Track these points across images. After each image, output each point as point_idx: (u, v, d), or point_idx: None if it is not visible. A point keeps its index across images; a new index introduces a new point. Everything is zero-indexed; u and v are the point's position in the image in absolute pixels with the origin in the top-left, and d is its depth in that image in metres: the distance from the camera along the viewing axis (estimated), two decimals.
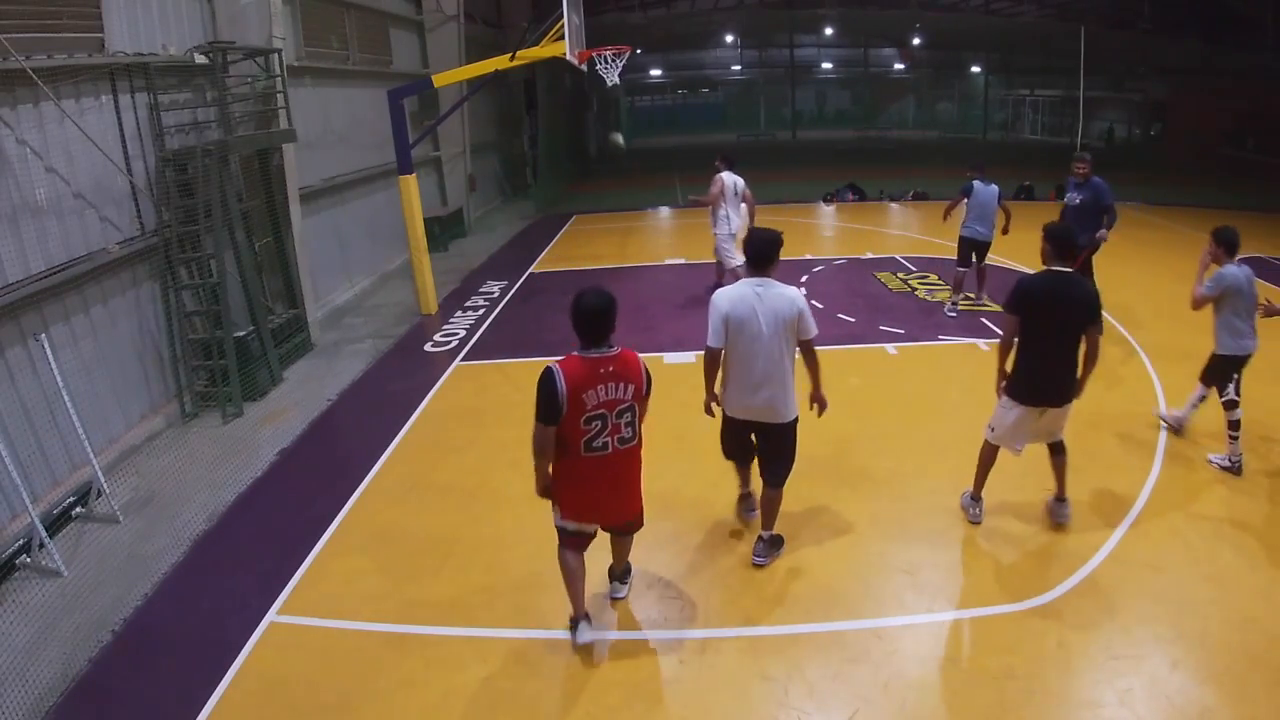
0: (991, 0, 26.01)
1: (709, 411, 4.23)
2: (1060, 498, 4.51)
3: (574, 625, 3.62)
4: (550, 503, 3.53)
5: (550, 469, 3.42)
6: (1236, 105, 20.28)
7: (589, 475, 3.38)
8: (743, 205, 8.82)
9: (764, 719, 3.23)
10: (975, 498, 4.58)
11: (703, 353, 4.03)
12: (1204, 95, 21.32)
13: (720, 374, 4.11)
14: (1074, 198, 7.75)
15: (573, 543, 3.57)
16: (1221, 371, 5.17)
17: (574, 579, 3.58)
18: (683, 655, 3.59)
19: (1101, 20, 21.17)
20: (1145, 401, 6.04)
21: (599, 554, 3.80)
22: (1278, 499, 4.69)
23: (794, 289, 4.01)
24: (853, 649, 3.57)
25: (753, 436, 4.22)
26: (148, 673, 3.70)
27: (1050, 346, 4.14)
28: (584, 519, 3.51)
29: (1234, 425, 5.03)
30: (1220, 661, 3.40)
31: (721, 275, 8.99)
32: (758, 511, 4.38)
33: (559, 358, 3.32)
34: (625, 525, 3.69)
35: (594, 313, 3.24)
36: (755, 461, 4.35)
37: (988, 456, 4.50)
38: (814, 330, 4.01)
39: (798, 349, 4.05)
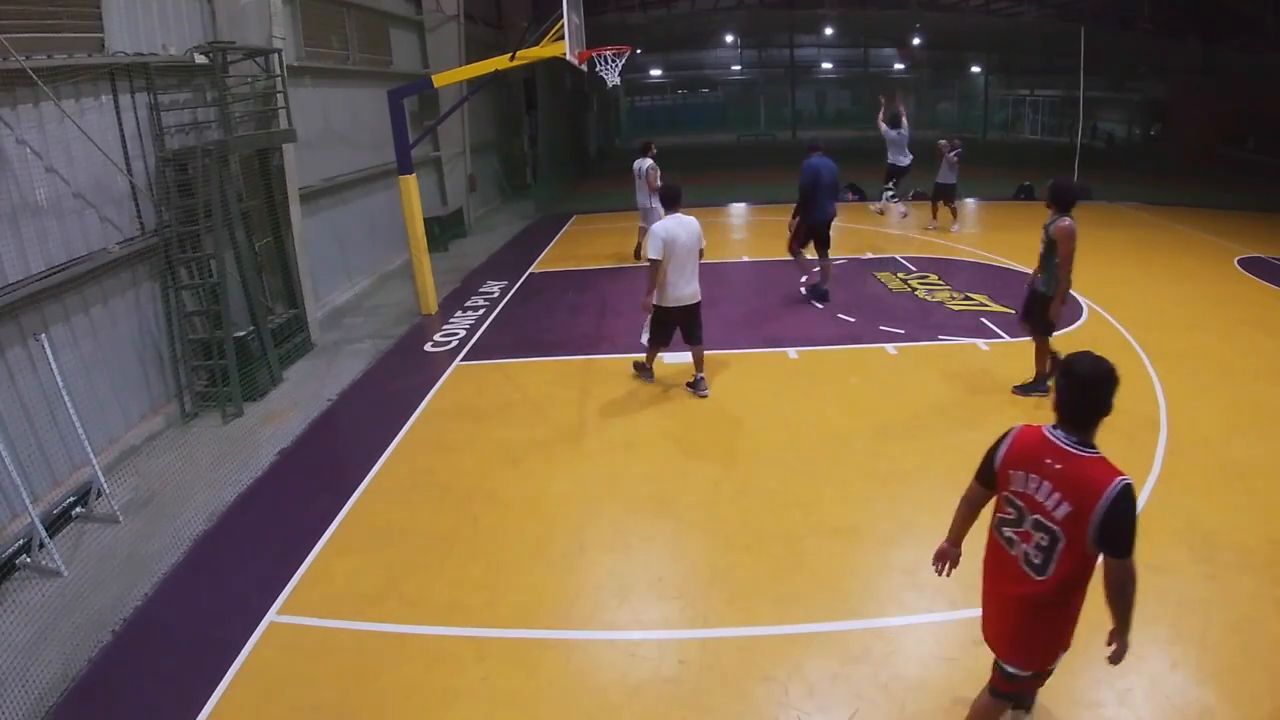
0: (991, 0, 26.03)
1: (645, 309, 6.28)
2: None
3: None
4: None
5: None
6: (1236, 105, 20.27)
7: (989, 555, 2.71)
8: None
9: (764, 719, 3.23)
10: None
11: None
12: (1204, 95, 21.32)
13: (661, 280, 6.06)
14: None
15: None
16: (887, 176, 11.11)
17: None
18: (683, 655, 3.59)
19: (1101, 20, 21.16)
20: (1144, 402, 6.04)
21: None
22: (1277, 500, 4.69)
23: (693, 217, 6.16)
24: (853, 649, 3.57)
25: (678, 326, 6.32)
26: (148, 673, 3.70)
27: None
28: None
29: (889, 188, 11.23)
30: (1220, 661, 3.40)
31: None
32: (698, 379, 6.49)
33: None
34: (996, 653, 2.74)
35: (1082, 384, 2.44)
36: (664, 348, 6.63)
37: None
38: (703, 243, 6.27)
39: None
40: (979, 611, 3.83)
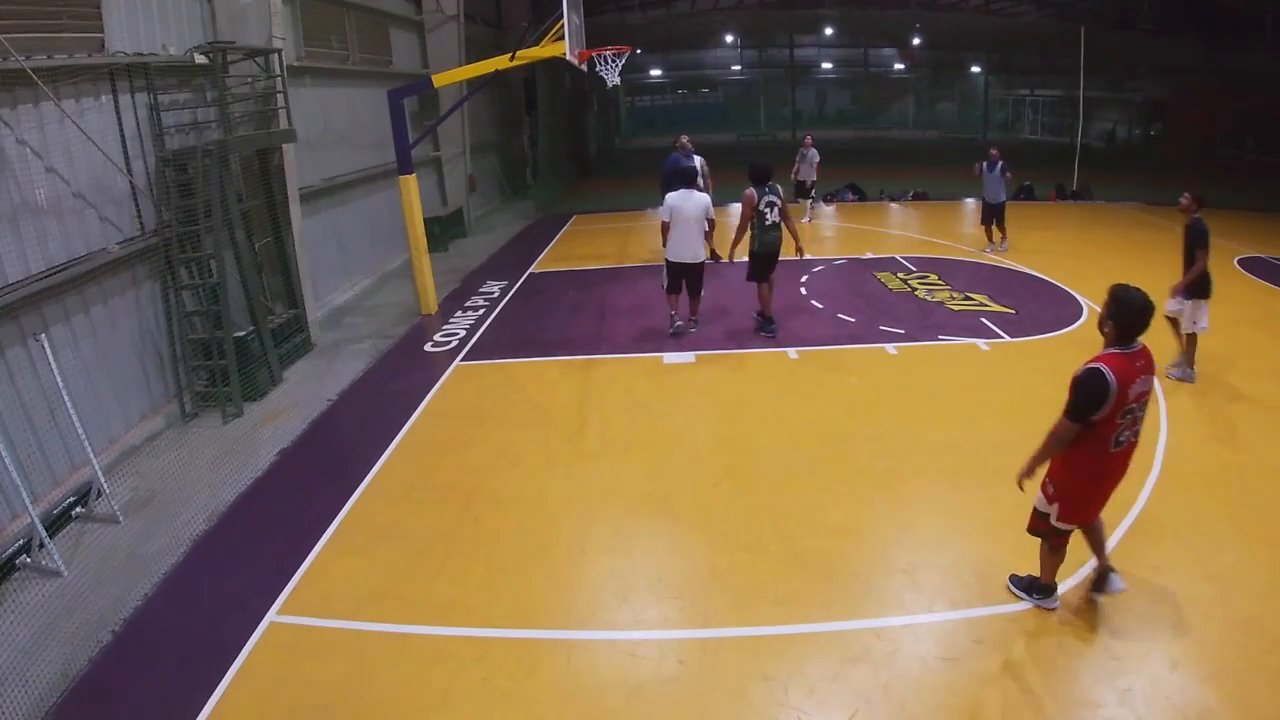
0: (991, 0, 26.02)
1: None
2: None
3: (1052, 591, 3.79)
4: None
5: (1062, 472, 3.53)
6: (1236, 105, 20.27)
7: (1110, 471, 3.51)
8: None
9: (764, 719, 3.23)
10: None
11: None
12: (1204, 95, 21.32)
13: (671, 240, 7.61)
14: None
15: (1062, 541, 3.68)
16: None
17: (1059, 562, 3.76)
18: (683, 655, 3.59)
19: (1101, 20, 21.17)
20: None
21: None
22: (1277, 500, 4.69)
23: (705, 195, 7.79)
24: (853, 649, 3.57)
25: (682, 279, 7.80)
26: (148, 673, 3.70)
27: None
28: (1082, 517, 3.63)
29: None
30: (1220, 661, 3.40)
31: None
32: (684, 323, 8.02)
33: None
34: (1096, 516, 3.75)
35: (1147, 309, 3.31)
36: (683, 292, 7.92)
37: None
38: (713, 215, 7.72)
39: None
40: (979, 612, 3.88)
